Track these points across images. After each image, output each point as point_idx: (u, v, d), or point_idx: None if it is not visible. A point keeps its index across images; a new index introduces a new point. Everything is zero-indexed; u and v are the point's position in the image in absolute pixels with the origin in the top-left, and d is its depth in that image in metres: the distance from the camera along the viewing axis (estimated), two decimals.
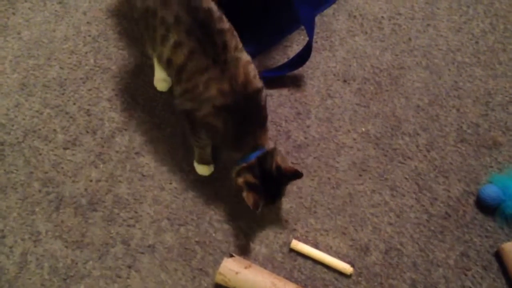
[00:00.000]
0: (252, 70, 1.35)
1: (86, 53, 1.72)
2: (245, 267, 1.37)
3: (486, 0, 1.83)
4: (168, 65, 1.35)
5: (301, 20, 1.56)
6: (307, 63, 1.65)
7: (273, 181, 1.35)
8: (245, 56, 1.35)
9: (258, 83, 1.35)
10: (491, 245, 1.47)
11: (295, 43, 1.76)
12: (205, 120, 1.33)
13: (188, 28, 1.28)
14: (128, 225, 1.48)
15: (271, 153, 1.36)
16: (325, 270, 1.44)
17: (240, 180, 1.34)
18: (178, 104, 1.38)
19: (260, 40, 1.75)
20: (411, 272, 1.44)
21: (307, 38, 1.60)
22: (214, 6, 1.34)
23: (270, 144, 1.39)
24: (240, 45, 1.36)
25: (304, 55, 1.63)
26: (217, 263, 1.44)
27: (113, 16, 1.77)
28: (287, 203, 1.52)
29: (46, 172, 1.54)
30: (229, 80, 1.28)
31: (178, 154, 1.57)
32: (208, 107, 1.31)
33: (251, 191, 1.32)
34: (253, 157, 1.34)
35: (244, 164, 1.34)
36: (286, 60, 1.72)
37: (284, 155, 1.44)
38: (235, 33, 1.36)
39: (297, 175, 1.36)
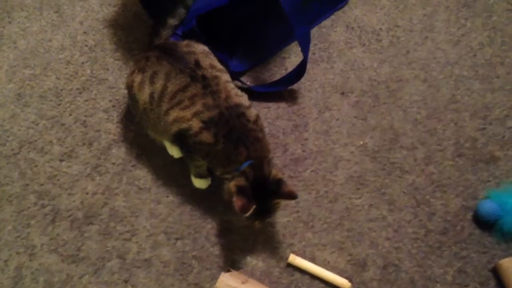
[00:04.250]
0: (233, 89, 1.38)
1: (83, 63, 1.70)
2: (242, 282, 1.37)
3: (484, 13, 1.83)
4: (151, 100, 1.38)
5: (297, 38, 1.55)
6: (305, 75, 1.64)
7: (266, 190, 1.32)
8: (224, 76, 1.39)
9: (241, 99, 1.37)
10: (488, 261, 1.47)
11: (293, 55, 1.75)
12: (198, 139, 1.32)
13: (158, 56, 1.38)
14: (124, 239, 1.47)
15: (267, 161, 1.35)
16: (323, 285, 1.43)
17: (231, 185, 1.31)
18: (169, 130, 1.37)
19: (258, 52, 1.74)
20: None
21: None
22: (180, 41, 1.46)
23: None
24: (219, 66, 1.41)
25: (298, 73, 1.63)
26: (214, 278, 1.43)
27: (109, 26, 1.76)
28: (284, 217, 1.51)
29: (42, 185, 1.53)
30: (211, 94, 1.32)
31: (175, 167, 1.56)
32: (198, 123, 1.31)
33: (240, 195, 1.28)
34: (246, 165, 1.32)
35: (236, 173, 1.33)
36: (283, 71, 1.72)
37: (279, 171, 1.42)
38: (210, 55, 1.43)
39: (291, 196, 1.31)
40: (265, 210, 1.35)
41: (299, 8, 1.49)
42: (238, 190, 1.29)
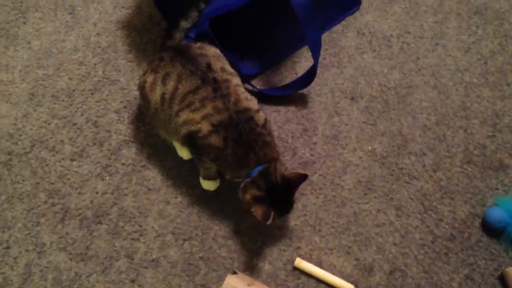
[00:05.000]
0: (243, 92, 1.39)
1: (95, 64, 1.72)
2: (248, 285, 1.37)
3: (495, 21, 1.83)
4: (162, 100, 1.39)
5: (308, 43, 1.56)
6: (315, 79, 1.64)
7: (280, 191, 1.35)
8: (235, 80, 1.40)
9: (250, 104, 1.38)
10: (495, 268, 1.47)
11: (304, 59, 1.76)
12: (207, 142, 1.33)
13: (171, 56, 1.39)
14: (133, 239, 1.49)
15: (274, 164, 1.36)
16: None
17: (247, 197, 1.35)
18: (179, 131, 1.38)
19: (269, 55, 1.75)
20: None
21: None
22: (193, 43, 1.48)
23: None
24: (230, 69, 1.42)
25: (308, 77, 1.64)
26: (221, 279, 1.44)
27: (123, 28, 1.78)
28: (291, 221, 1.52)
29: (52, 183, 1.55)
30: (221, 98, 1.33)
31: (184, 168, 1.57)
32: (207, 126, 1.32)
33: (258, 204, 1.32)
34: (255, 171, 1.34)
35: (248, 180, 1.35)
36: (294, 75, 1.72)
37: (283, 163, 1.42)
38: (222, 58, 1.44)
39: (302, 178, 1.34)
40: (285, 207, 1.38)
41: (311, 13, 1.50)
42: (255, 200, 1.32)
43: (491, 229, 1.50)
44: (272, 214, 1.28)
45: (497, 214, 1.50)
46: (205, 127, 1.33)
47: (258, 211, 1.29)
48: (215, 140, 1.33)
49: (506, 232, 1.48)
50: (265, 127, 1.38)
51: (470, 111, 1.68)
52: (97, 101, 1.67)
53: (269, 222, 1.28)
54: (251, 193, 1.34)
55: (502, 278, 1.45)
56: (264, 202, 1.32)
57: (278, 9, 1.62)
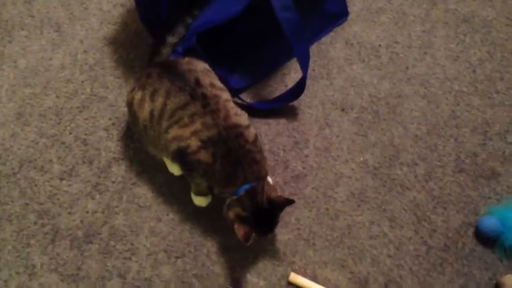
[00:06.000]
0: (232, 108, 1.39)
1: (83, 81, 1.71)
2: None
3: (483, 29, 1.84)
4: (151, 117, 1.38)
5: (296, 56, 1.56)
6: (305, 91, 1.64)
7: (265, 213, 1.34)
8: (224, 95, 1.40)
9: (240, 119, 1.38)
10: (490, 277, 1.47)
11: (293, 71, 1.75)
12: (196, 157, 1.33)
13: (159, 72, 1.38)
14: (125, 258, 1.47)
15: (262, 185, 1.35)
16: None
17: (231, 214, 1.34)
18: (169, 148, 1.37)
19: (258, 68, 1.75)
20: None
21: None
22: (181, 58, 1.46)
23: (267, 178, 1.39)
24: (219, 84, 1.41)
25: (297, 90, 1.63)
26: None
27: (109, 44, 1.77)
28: (285, 235, 1.51)
29: (42, 204, 1.53)
30: (211, 114, 1.32)
31: (175, 184, 1.56)
32: (196, 142, 1.31)
33: (241, 224, 1.30)
34: (242, 190, 1.33)
35: (234, 197, 1.34)
36: (283, 88, 1.72)
37: (271, 185, 1.42)
38: (211, 74, 1.43)
39: (288, 202, 1.34)
40: (268, 228, 1.36)
41: (299, 27, 1.50)
42: (238, 219, 1.31)
43: (484, 238, 1.50)
44: (252, 235, 1.28)
45: (490, 222, 1.49)
46: (194, 143, 1.32)
47: (240, 230, 1.28)
48: (203, 156, 1.32)
49: (499, 241, 1.48)
50: (255, 144, 1.37)
51: (460, 119, 1.68)
52: (86, 119, 1.65)
53: (248, 243, 1.27)
54: (235, 211, 1.33)
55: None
56: (247, 222, 1.31)
57: (266, 22, 1.62)
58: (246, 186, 1.33)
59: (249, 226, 1.30)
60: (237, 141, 1.33)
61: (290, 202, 1.33)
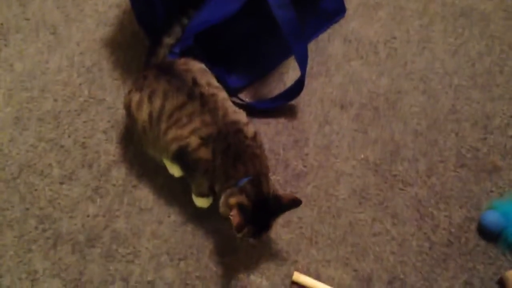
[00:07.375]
0: (230, 106, 1.39)
1: (80, 84, 1.70)
2: None
3: (481, 22, 1.83)
4: (150, 119, 1.38)
5: (295, 55, 1.55)
6: (304, 89, 1.63)
7: (267, 208, 1.32)
8: (222, 94, 1.40)
9: (239, 116, 1.38)
10: (494, 272, 1.46)
11: (291, 69, 1.74)
12: (196, 155, 1.32)
13: (156, 74, 1.39)
14: (127, 261, 1.46)
15: (265, 177, 1.34)
16: None
17: (232, 201, 1.30)
18: (169, 148, 1.37)
19: (256, 67, 1.74)
20: None
21: None
22: (177, 59, 1.47)
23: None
24: (216, 83, 1.41)
25: (296, 89, 1.62)
26: None
27: (106, 46, 1.76)
28: (287, 234, 1.50)
29: (42, 208, 1.52)
30: (209, 112, 1.32)
31: (176, 186, 1.55)
32: (195, 140, 1.31)
33: (239, 212, 1.27)
34: (244, 181, 1.32)
35: (235, 188, 1.32)
36: (282, 86, 1.71)
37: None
38: (208, 73, 1.43)
39: (295, 203, 1.32)
40: (263, 228, 1.35)
41: (296, 25, 1.49)
42: (239, 207, 1.28)
43: (487, 233, 1.50)
44: (246, 229, 1.26)
45: (492, 217, 1.49)
46: (193, 141, 1.32)
47: (236, 218, 1.25)
48: (204, 152, 1.32)
49: (503, 236, 1.47)
50: (254, 140, 1.36)
51: (460, 114, 1.68)
52: (84, 122, 1.64)
53: (239, 235, 1.26)
54: (237, 199, 1.30)
55: (501, 283, 1.44)
56: (246, 214, 1.27)
57: (263, 21, 1.61)
58: (250, 178, 1.32)
59: (246, 219, 1.27)
60: (236, 136, 1.33)
61: (297, 202, 1.32)
